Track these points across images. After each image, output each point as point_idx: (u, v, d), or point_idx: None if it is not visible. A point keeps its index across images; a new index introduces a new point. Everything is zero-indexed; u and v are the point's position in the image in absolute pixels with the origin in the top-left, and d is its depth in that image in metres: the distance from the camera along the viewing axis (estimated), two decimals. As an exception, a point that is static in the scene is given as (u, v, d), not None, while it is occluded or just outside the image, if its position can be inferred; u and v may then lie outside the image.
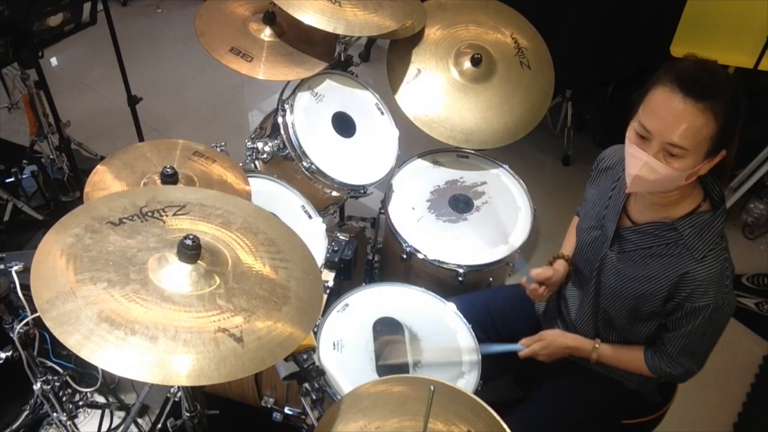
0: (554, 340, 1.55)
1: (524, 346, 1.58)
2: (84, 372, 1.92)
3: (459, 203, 2.01)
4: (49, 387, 1.69)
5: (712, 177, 1.30)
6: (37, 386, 1.67)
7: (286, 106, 1.83)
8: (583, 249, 1.53)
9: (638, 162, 1.22)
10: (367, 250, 2.29)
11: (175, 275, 1.06)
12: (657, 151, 1.20)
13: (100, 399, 2.03)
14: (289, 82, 1.89)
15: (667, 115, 1.17)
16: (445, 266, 1.85)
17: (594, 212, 1.50)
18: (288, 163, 1.90)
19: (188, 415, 1.49)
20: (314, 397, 1.35)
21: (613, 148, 1.49)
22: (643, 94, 1.22)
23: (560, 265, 1.64)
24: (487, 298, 1.80)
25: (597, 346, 1.51)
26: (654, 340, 1.45)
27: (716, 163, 1.22)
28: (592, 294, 1.50)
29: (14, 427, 1.90)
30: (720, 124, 1.15)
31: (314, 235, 1.82)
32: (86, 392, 1.96)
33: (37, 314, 0.97)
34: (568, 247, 1.68)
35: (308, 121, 1.86)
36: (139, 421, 1.98)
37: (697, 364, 1.41)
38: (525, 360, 1.67)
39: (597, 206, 1.49)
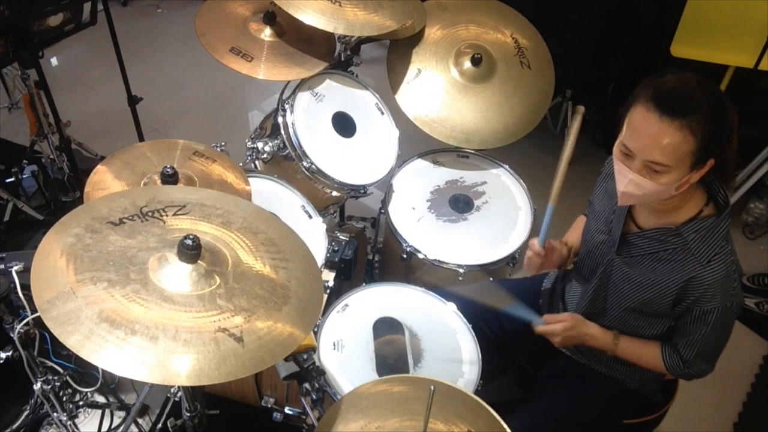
0: (577, 324, 1.50)
1: (544, 322, 1.52)
2: (84, 372, 1.92)
3: (459, 203, 2.01)
4: (49, 387, 1.69)
5: (717, 180, 1.30)
6: (37, 386, 1.67)
7: (286, 106, 1.83)
8: (590, 251, 1.53)
9: (624, 179, 1.24)
10: (367, 250, 2.29)
11: (176, 275, 1.06)
12: (640, 168, 1.21)
13: (101, 399, 2.02)
14: (289, 82, 1.89)
15: (646, 134, 1.18)
16: (445, 266, 1.85)
17: (603, 216, 1.50)
18: (288, 163, 1.90)
19: (188, 415, 1.49)
20: (314, 397, 1.34)
21: None
22: (625, 111, 1.23)
23: (558, 244, 1.63)
24: (489, 292, 1.80)
25: (616, 338, 1.48)
26: (667, 339, 1.45)
27: (707, 171, 1.22)
28: (591, 294, 1.51)
29: (14, 427, 1.90)
30: (699, 139, 1.16)
31: (314, 235, 1.82)
32: (86, 392, 1.96)
33: (38, 314, 0.98)
34: (572, 235, 1.69)
35: (308, 121, 1.86)
36: (140, 421, 1.98)
37: (712, 364, 1.42)
38: (525, 359, 1.67)
39: (605, 210, 1.49)
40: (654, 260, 1.36)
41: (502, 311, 1.60)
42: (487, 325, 1.70)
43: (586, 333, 1.51)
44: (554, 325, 1.51)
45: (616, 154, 1.26)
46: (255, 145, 1.89)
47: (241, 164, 1.72)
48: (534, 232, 1.98)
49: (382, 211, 2.02)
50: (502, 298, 1.62)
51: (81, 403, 1.96)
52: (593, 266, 1.51)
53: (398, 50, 2.05)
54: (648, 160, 1.19)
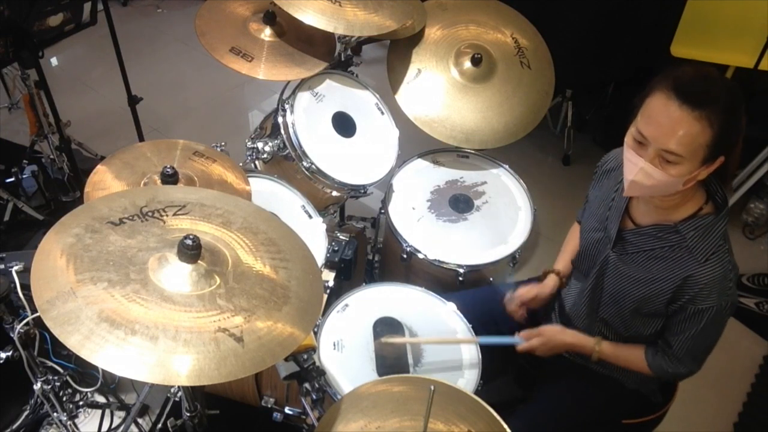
0: (554, 336, 1.54)
1: (523, 339, 1.57)
2: (84, 372, 1.92)
3: (459, 203, 2.01)
4: (49, 387, 1.69)
5: (715, 179, 1.30)
6: (37, 386, 1.67)
7: (286, 106, 1.83)
8: (585, 250, 1.53)
9: (635, 167, 1.23)
10: (367, 250, 2.29)
11: (176, 275, 1.06)
12: (653, 157, 1.21)
13: (101, 399, 2.03)
14: (289, 82, 1.89)
15: (664, 122, 1.17)
16: (445, 266, 1.85)
17: (597, 214, 1.50)
18: (288, 163, 1.90)
19: (188, 415, 1.49)
20: (314, 397, 1.35)
21: (617, 150, 1.50)
22: (641, 100, 1.23)
23: (550, 280, 1.65)
24: (488, 295, 1.80)
25: (598, 344, 1.51)
26: (654, 340, 1.45)
27: (715, 168, 1.22)
28: (588, 292, 1.51)
29: (14, 427, 1.90)
30: (716, 132, 1.16)
31: (314, 235, 1.83)
32: (86, 392, 1.96)
33: (38, 314, 0.97)
34: (563, 260, 1.69)
35: (308, 121, 1.86)
36: (140, 421, 1.98)
37: (699, 364, 1.42)
38: (525, 360, 1.67)
39: (600, 208, 1.49)
40: (649, 258, 1.36)
41: (480, 344, 1.64)
42: (484, 327, 1.70)
43: (565, 342, 1.54)
44: (531, 342, 1.55)
45: (628, 143, 1.25)
46: (255, 145, 1.89)
47: (241, 164, 1.71)
48: (534, 232, 1.98)
49: (382, 211, 2.02)
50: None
51: (81, 403, 1.96)
52: (590, 264, 1.51)
53: (398, 50, 2.05)
54: (662, 149, 1.18)
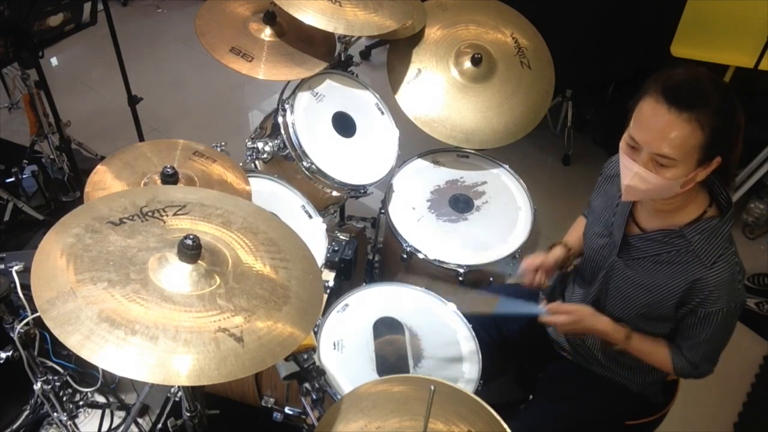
0: (585, 318, 1.45)
1: (545, 309, 1.49)
2: (84, 372, 1.92)
3: (459, 203, 2.01)
4: (49, 387, 1.69)
5: (719, 181, 1.30)
6: (37, 386, 1.67)
7: (287, 106, 1.83)
8: (591, 255, 1.52)
9: (630, 172, 1.23)
10: (367, 250, 2.29)
11: (176, 275, 1.06)
12: (647, 161, 1.20)
13: (101, 399, 2.03)
14: (289, 82, 1.89)
15: (654, 126, 1.17)
16: (445, 266, 1.85)
17: (602, 219, 1.49)
18: (288, 163, 1.90)
19: (188, 414, 1.49)
20: (314, 397, 1.34)
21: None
22: (634, 104, 1.23)
23: (557, 250, 1.62)
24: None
25: (628, 336, 1.43)
26: (670, 340, 1.44)
27: (713, 169, 1.21)
28: (593, 298, 1.50)
29: (15, 426, 1.90)
30: (708, 133, 1.15)
31: (314, 235, 1.83)
32: (86, 392, 1.96)
33: (38, 314, 0.97)
34: (573, 237, 1.67)
35: (308, 121, 1.86)
36: (140, 420, 1.98)
37: (714, 364, 1.42)
38: (526, 359, 1.67)
39: (605, 213, 1.48)
40: (656, 262, 1.36)
41: (498, 314, 1.59)
42: (486, 332, 1.70)
43: (594, 328, 1.45)
44: (560, 318, 1.47)
45: (623, 148, 1.25)
46: (255, 145, 1.89)
47: (241, 164, 1.71)
48: (534, 232, 1.98)
49: (382, 211, 2.02)
50: (493, 302, 1.61)
51: (81, 403, 1.96)
52: (595, 270, 1.51)
53: (398, 50, 2.05)
54: (655, 153, 1.18)
